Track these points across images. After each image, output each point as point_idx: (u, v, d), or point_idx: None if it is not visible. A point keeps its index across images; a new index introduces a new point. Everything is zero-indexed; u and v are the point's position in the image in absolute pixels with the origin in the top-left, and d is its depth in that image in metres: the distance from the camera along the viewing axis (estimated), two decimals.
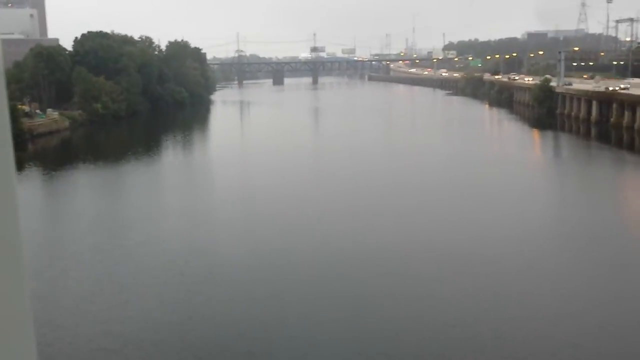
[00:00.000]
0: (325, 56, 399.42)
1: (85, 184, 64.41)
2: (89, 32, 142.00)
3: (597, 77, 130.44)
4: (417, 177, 62.16)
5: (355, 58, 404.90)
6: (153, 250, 37.80)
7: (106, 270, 34.37)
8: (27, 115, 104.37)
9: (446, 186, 57.06)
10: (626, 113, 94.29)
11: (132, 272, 34.08)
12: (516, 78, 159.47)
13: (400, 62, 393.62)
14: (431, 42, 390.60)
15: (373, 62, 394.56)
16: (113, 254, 37.34)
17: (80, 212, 50.06)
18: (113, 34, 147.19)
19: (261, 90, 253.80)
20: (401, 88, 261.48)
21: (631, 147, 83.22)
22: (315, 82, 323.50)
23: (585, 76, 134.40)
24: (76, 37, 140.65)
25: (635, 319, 27.27)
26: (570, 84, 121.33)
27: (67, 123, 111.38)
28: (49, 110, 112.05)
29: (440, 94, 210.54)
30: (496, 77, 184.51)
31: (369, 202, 50.32)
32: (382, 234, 40.46)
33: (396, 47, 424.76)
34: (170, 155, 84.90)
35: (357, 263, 34.77)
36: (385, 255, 36.09)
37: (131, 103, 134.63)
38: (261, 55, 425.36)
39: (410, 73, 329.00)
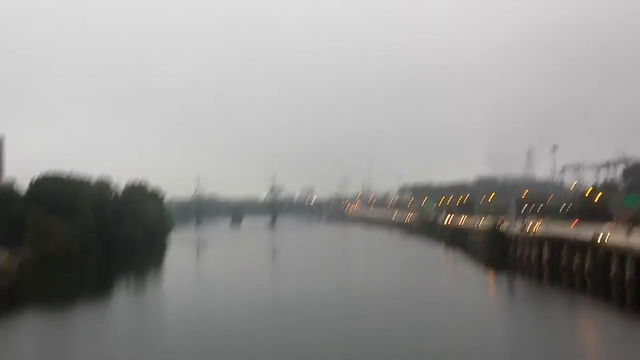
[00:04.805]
0: (284, 195, 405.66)
1: (31, 331, 61.62)
2: (46, 172, 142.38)
3: (545, 220, 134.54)
4: (373, 322, 61.34)
5: (314, 199, 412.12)
6: None
7: None
8: None
9: (404, 332, 56.36)
10: (577, 255, 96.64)
11: None
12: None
13: (358, 202, 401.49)
14: (387, 184, 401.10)
15: (331, 203, 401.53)
16: None
17: None
18: (70, 175, 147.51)
19: (219, 230, 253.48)
20: (358, 228, 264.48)
21: (583, 289, 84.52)
22: (274, 222, 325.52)
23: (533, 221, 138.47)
24: (32, 179, 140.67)
25: None
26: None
27: (17, 264, 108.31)
28: None
29: (396, 234, 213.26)
30: (450, 219, 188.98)
31: (321, 346, 49.15)
32: None
33: (353, 188, 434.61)
34: (122, 299, 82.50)
35: None
36: None
37: (85, 244, 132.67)
38: (220, 194, 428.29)
39: (367, 214, 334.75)
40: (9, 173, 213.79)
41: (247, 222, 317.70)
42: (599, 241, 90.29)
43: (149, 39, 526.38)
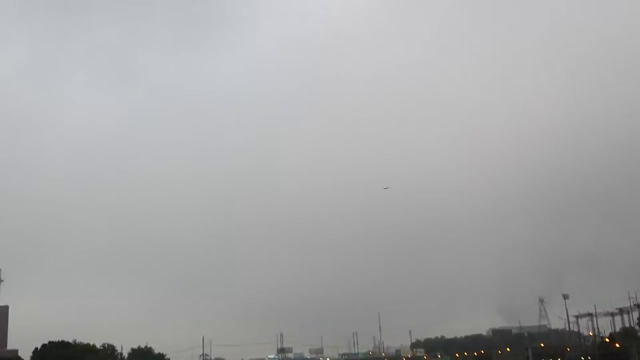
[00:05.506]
0: (293, 357, 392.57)
1: None
2: (49, 342, 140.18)
3: None
4: None
5: (326, 359, 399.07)
6: None
7: None
8: None
9: None
10: None
11: None
12: None
13: None
14: (398, 340, 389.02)
15: None
16: None
17: None
18: (75, 342, 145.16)
19: None
20: None
21: None
22: None
23: None
24: (36, 348, 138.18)
25: None
26: None
27: None
28: None
29: None
30: None
31: None
32: None
33: (364, 346, 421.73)
34: None
35: None
36: None
37: None
38: (227, 358, 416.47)
39: None
40: (12, 340, 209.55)
41: None
42: None
43: (149, 199, 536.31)
